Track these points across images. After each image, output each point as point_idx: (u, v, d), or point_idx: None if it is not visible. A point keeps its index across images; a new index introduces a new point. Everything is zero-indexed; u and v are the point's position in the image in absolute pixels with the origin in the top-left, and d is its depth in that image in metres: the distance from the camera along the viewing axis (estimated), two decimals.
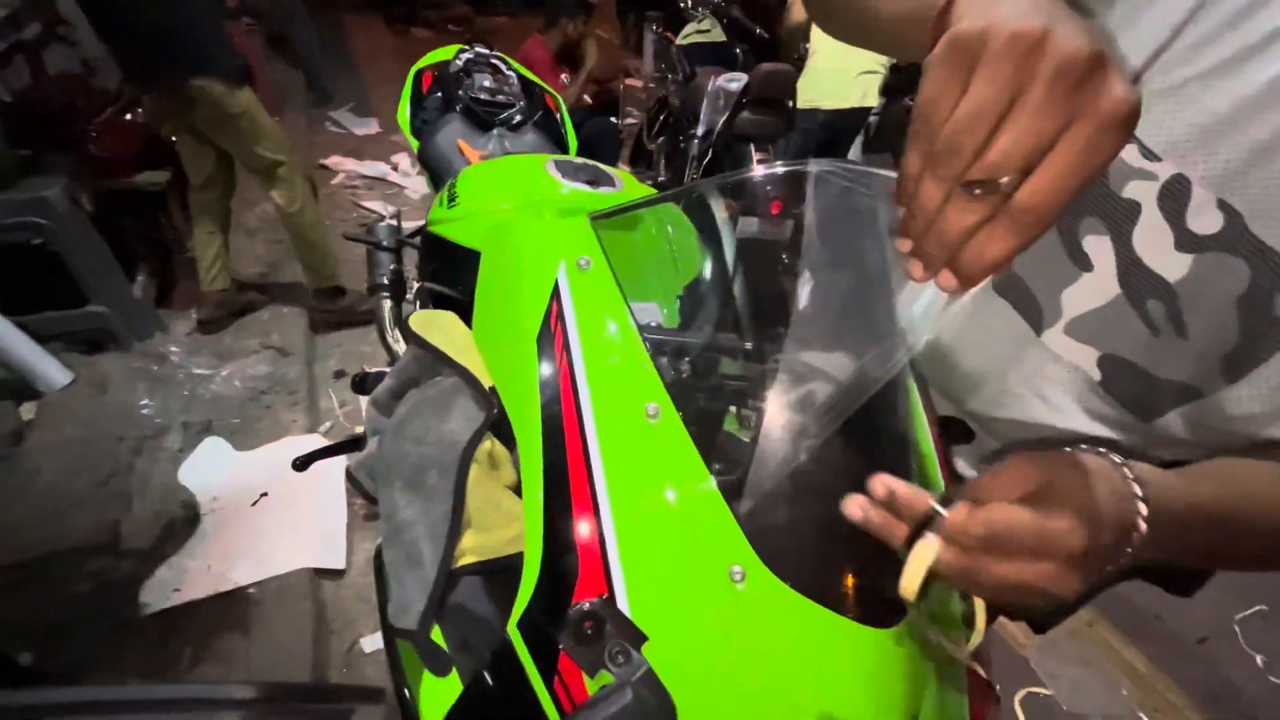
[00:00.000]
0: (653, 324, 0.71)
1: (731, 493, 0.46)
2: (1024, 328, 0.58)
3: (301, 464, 0.75)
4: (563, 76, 3.40)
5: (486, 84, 1.56)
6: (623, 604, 0.43)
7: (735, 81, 2.40)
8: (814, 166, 0.50)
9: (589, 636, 0.41)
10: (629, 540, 0.44)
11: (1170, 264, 0.47)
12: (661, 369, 0.49)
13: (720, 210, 0.74)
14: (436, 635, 0.52)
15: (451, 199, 0.90)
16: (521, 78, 1.66)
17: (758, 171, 0.56)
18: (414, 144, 1.44)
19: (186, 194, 2.17)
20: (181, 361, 1.93)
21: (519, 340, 0.50)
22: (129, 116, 2.25)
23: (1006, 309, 0.60)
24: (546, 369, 0.49)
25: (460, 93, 1.49)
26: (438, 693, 0.47)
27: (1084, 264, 0.52)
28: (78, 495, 1.52)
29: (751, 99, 2.33)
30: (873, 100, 2.68)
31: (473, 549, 0.57)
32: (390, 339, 1.13)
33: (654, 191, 0.91)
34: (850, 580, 0.46)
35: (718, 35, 2.97)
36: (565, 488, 0.45)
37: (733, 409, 0.56)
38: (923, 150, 0.29)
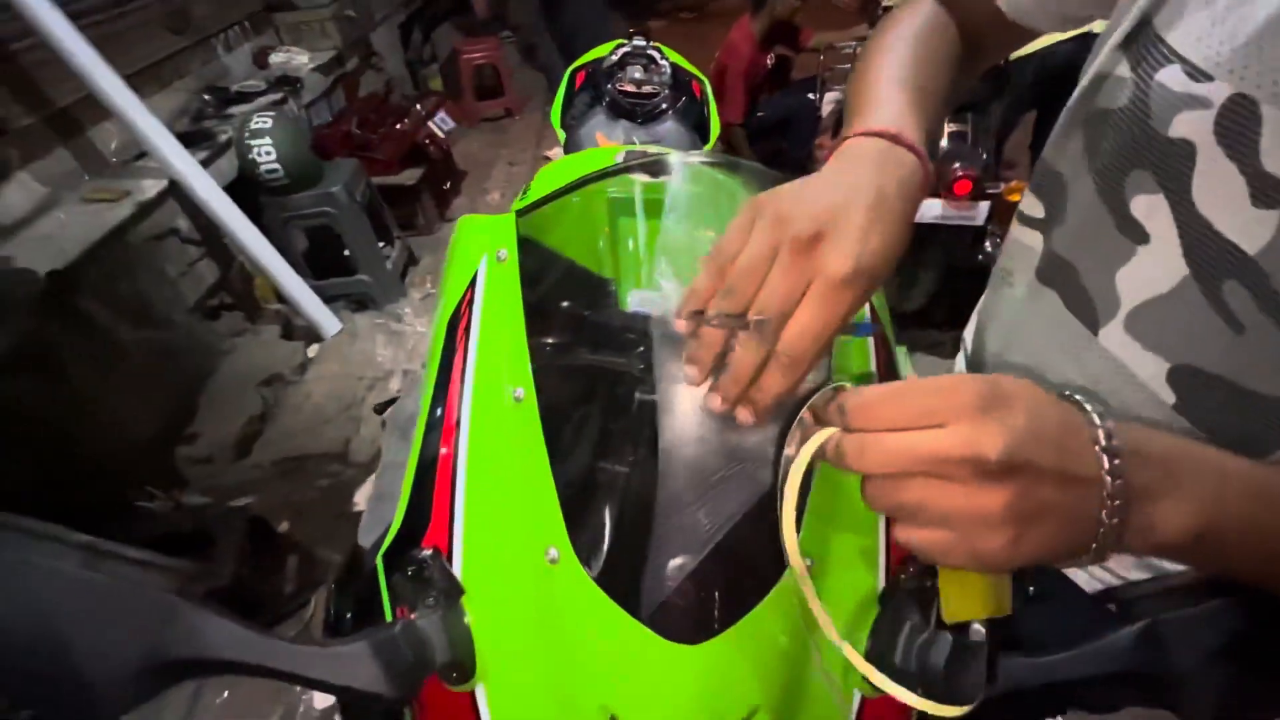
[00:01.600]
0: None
1: (566, 479, 0.48)
2: (1077, 326, 0.46)
3: (380, 408, 0.94)
4: (768, 59, 3.30)
5: (636, 75, 1.64)
6: (457, 560, 0.48)
7: None
8: (679, 159, 0.47)
9: (414, 580, 0.48)
10: (474, 505, 0.50)
11: (1247, 226, 0.34)
12: (542, 357, 0.53)
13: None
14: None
15: (525, 190, 1.00)
16: (675, 66, 1.70)
17: (627, 163, 0.54)
18: (561, 137, 1.59)
19: (437, 188, 2.72)
20: (411, 321, 2.43)
21: (440, 319, 0.58)
22: (399, 126, 2.86)
23: (1054, 302, 0.48)
24: (448, 344, 0.56)
25: (608, 86, 1.60)
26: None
27: (1137, 235, 0.40)
28: (329, 416, 2.05)
29: None
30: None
31: None
32: None
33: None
34: (663, 587, 0.44)
35: None
36: (436, 449, 0.52)
37: (632, 405, 0.56)
38: (713, 275, 0.38)
